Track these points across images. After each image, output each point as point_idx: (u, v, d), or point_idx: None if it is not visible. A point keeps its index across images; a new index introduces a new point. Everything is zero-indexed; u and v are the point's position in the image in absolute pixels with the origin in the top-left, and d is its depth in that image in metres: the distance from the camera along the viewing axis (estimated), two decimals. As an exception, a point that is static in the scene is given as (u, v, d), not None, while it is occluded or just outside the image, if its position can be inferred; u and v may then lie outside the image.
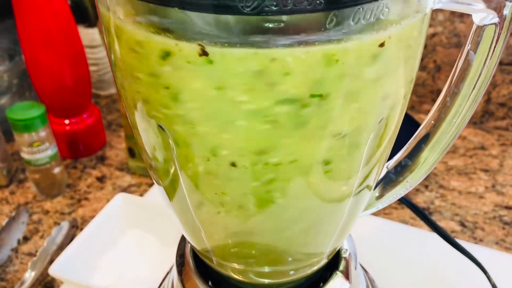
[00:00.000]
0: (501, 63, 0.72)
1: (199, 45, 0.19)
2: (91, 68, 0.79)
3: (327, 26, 0.18)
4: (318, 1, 0.17)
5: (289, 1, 0.17)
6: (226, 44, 0.19)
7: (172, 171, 0.25)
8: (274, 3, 0.17)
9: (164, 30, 0.20)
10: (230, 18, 0.19)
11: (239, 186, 0.25)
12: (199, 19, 0.19)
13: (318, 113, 0.21)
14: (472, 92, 0.28)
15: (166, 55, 0.20)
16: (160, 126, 0.23)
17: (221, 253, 0.31)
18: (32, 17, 0.61)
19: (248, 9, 0.17)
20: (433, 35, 0.74)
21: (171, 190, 0.28)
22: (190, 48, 0.19)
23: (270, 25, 0.18)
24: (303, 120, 0.21)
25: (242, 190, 0.25)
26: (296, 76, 0.20)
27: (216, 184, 0.25)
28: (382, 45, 0.20)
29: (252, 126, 0.22)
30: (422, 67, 0.77)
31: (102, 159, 0.72)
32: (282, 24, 0.18)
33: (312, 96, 0.21)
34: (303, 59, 0.19)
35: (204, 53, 0.19)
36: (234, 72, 0.20)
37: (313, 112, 0.21)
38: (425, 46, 0.75)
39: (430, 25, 0.73)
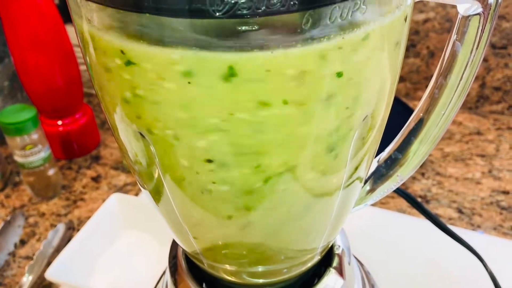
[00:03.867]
0: (494, 47, 0.72)
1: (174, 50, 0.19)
2: (82, 67, 0.78)
3: (303, 26, 0.18)
4: (291, 2, 0.17)
5: (262, 3, 0.17)
6: (202, 49, 0.19)
7: (155, 175, 0.25)
8: (246, 6, 0.17)
9: (139, 36, 0.19)
10: (204, 23, 0.18)
11: (224, 186, 0.24)
12: (174, 25, 0.19)
13: (298, 114, 0.21)
14: (459, 83, 0.28)
15: (141, 61, 0.20)
16: (140, 133, 0.23)
17: (212, 255, 0.30)
18: (19, 19, 0.60)
19: (220, 13, 0.17)
20: (426, 21, 0.73)
21: (156, 194, 0.27)
22: (165, 55, 0.19)
23: (243, 28, 0.17)
24: (284, 120, 0.21)
25: (228, 189, 0.24)
26: (275, 78, 0.19)
27: (199, 186, 0.24)
28: (362, 42, 0.20)
29: (234, 129, 0.21)
30: (416, 54, 0.76)
31: (97, 159, 0.72)
32: (256, 27, 0.18)
33: (285, 102, 0.20)
34: (281, 61, 0.19)
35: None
36: (211, 77, 0.20)
37: (293, 113, 0.21)
38: (418, 32, 0.74)
39: (422, 11, 0.73)
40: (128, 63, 0.20)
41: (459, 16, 0.26)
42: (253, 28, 0.18)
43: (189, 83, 0.20)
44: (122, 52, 0.20)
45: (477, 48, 0.26)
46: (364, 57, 0.21)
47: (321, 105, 0.21)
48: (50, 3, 0.62)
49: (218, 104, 0.20)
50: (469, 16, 0.25)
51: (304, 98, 0.21)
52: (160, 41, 0.19)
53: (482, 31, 0.25)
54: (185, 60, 0.19)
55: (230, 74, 0.19)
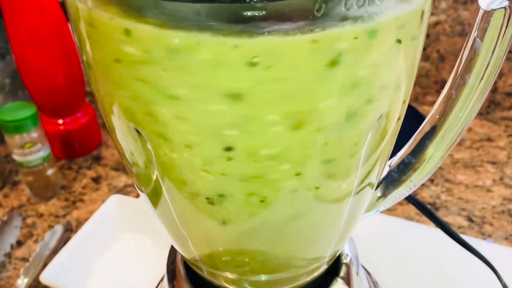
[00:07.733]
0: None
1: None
2: (85, 66, 0.77)
3: (316, 13, 0.16)
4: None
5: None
6: (212, 33, 0.17)
7: (153, 177, 0.24)
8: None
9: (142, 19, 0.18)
10: (213, 7, 0.16)
11: (224, 186, 0.23)
12: (180, 7, 0.17)
13: (307, 110, 0.19)
14: (479, 83, 0.26)
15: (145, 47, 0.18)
16: (137, 130, 0.21)
17: (212, 262, 0.29)
18: (21, 16, 0.59)
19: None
20: (436, 23, 0.71)
21: (153, 197, 0.26)
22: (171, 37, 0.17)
23: (250, 13, 0.16)
24: (293, 117, 0.19)
25: (228, 191, 0.23)
26: (280, 69, 0.18)
27: (199, 187, 0.23)
28: (377, 32, 0.18)
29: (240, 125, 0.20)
30: (426, 57, 0.74)
31: (97, 159, 0.70)
32: (264, 12, 0.16)
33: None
34: (289, 51, 0.17)
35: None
36: (217, 64, 0.18)
37: (301, 109, 0.19)
38: (428, 36, 0.72)
39: (433, 14, 0.71)
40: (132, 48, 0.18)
41: (481, 10, 0.24)
42: (260, 14, 0.16)
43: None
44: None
45: (500, 45, 0.24)
46: (379, 50, 0.19)
47: (331, 102, 0.20)
48: (52, 0, 0.61)
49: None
50: (492, 10, 0.23)
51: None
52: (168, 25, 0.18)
53: (507, 26, 0.23)
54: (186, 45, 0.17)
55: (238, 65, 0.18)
